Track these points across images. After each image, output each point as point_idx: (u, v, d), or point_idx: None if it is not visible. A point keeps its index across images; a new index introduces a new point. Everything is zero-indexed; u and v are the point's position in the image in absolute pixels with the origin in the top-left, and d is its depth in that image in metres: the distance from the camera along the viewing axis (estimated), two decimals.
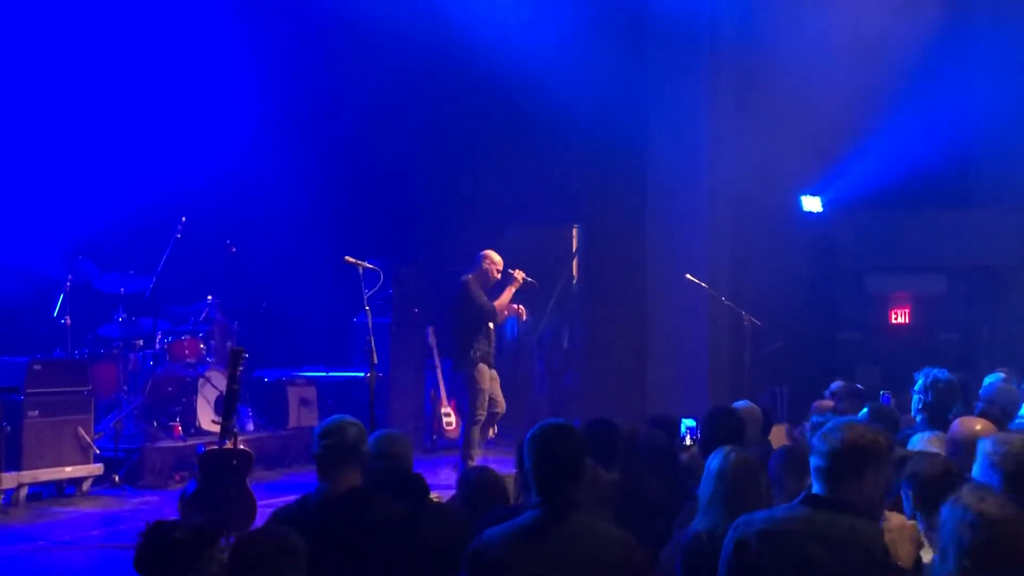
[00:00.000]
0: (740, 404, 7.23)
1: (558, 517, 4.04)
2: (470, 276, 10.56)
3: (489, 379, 10.52)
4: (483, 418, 10.42)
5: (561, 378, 13.66)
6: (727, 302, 12.22)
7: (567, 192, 14.00)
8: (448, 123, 13.72)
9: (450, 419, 13.14)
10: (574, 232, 13.65)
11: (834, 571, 3.65)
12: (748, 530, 3.81)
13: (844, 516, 3.75)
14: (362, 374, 11.55)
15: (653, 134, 13.75)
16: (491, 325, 10.56)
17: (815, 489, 3.89)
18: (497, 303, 10.55)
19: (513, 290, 10.64)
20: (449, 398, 13.25)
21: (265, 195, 13.34)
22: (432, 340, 13.44)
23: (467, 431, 10.44)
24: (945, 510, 3.55)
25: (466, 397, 10.62)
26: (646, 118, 13.68)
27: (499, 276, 10.60)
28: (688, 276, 11.99)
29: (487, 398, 10.47)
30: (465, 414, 12.64)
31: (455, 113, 13.69)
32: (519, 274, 10.66)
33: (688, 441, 8.39)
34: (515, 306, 10.78)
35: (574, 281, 13.54)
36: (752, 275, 13.53)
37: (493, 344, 10.60)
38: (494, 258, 10.65)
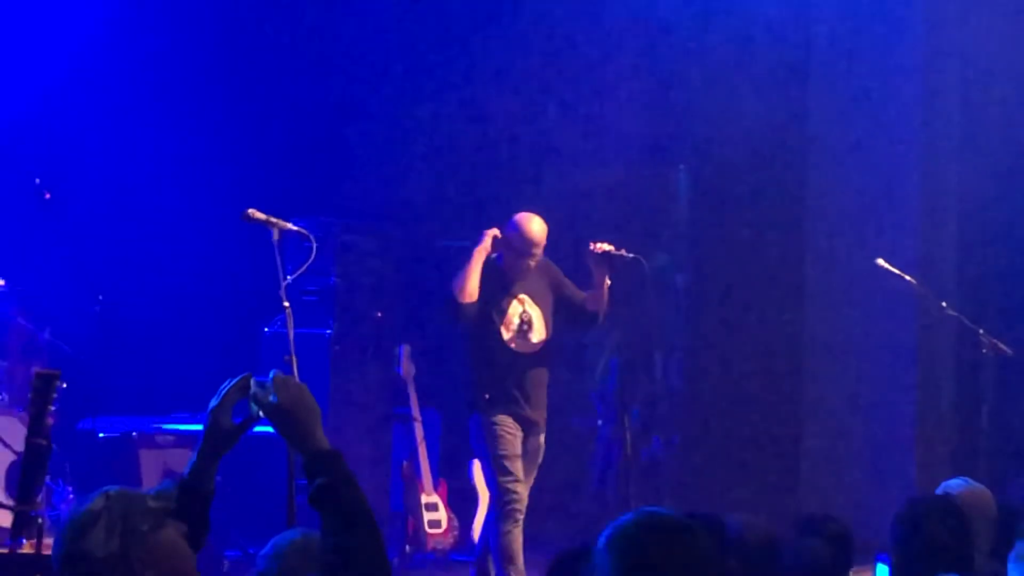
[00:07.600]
0: (956, 484, 5.12)
1: None
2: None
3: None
4: (517, 504, 6.61)
5: (646, 445, 9.04)
6: (951, 311, 8.65)
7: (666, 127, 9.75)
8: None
9: (437, 515, 8.20)
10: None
11: None
12: None
13: None
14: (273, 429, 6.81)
15: None
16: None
17: None
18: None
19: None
20: (436, 478, 8.39)
21: (108, 110, 9.58)
22: (407, 367, 8.54)
23: (497, 533, 6.71)
24: None
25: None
26: None
27: (532, 257, 6.99)
28: (879, 261, 8.63)
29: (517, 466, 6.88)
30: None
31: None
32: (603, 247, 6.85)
33: None
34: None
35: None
36: (999, 264, 9.45)
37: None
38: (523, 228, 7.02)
